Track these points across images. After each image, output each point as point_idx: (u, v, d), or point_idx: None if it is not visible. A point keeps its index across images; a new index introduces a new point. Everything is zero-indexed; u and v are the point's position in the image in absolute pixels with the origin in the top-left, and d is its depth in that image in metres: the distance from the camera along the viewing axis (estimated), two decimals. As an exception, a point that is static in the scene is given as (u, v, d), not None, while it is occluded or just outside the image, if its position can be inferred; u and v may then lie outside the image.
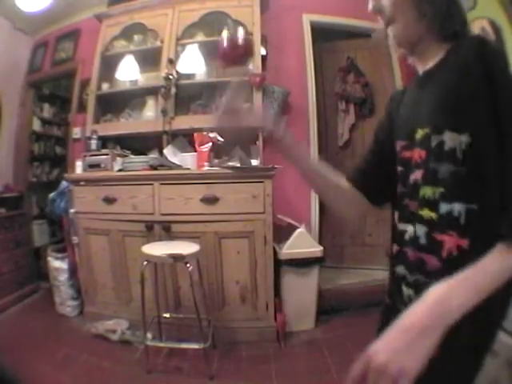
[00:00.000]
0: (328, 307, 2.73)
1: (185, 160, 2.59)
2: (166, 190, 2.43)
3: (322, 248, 2.59)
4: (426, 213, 0.70)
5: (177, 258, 1.97)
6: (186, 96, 2.92)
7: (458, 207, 0.66)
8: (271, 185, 2.37)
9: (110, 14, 3.12)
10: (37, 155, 4.20)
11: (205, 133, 2.55)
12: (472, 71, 0.66)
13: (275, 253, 2.48)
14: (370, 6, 0.78)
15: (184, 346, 2.20)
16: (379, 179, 0.88)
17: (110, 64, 3.07)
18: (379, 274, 2.82)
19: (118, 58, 3.04)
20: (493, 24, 2.10)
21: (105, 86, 3.07)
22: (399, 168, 0.81)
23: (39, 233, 3.80)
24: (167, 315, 2.42)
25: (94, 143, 2.86)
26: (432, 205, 0.69)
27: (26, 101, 3.76)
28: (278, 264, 2.49)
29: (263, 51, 2.93)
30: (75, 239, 2.69)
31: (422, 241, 0.71)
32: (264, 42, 2.96)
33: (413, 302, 0.58)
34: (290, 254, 2.50)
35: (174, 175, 2.45)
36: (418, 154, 0.74)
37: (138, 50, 3.05)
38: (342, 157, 3.51)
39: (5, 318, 2.76)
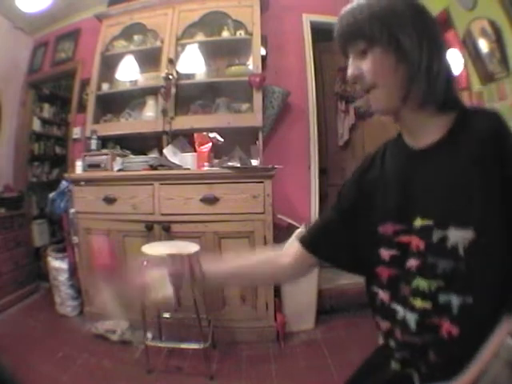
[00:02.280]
0: (328, 307, 2.73)
1: (185, 160, 2.58)
2: (165, 190, 2.43)
3: (321, 248, 2.59)
4: (419, 303, 0.70)
5: (177, 258, 1.96)
6: (186, 96, 2.92)
7: (454, 299, 0.66)
8: (271, 185, 2.36)
9: (110, 13, 3.12)
10: (37, 155, 4.20)
11: (205, 133, 2.56)
12: (485, 159, 0.64)
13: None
14: (350, 73, 0.75)
15: (184, 346, 2.20)
16: (345, 249, 0.84)
17: (109, 64, 3.07)
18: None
19: (117, 58, 3.04)
20: (493, 24, 2.10)
21: (105, 86, 3.07)
22: (391, 251, 0.76)
23: (39, 233, 3.79)
24: (167, 315, 2.41)
25: (93, 143, 2.85)
26: (427, 296, 0.69)
27: (26, 101, 3.76)
28: (278, 264, 2.48)
29: (263, 51, 2.93)
30: (75, 239, 2.69)
31: (412, 326, 0.71)
32: (264, 42, 2.96)
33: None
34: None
35: (174, 175, 2.45)
36: (415, 242, 0.71)
37: (137, 50, 3.05)
38: (342, 157, 3.51)
39: (5, 318, 2.76)
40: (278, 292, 2.52)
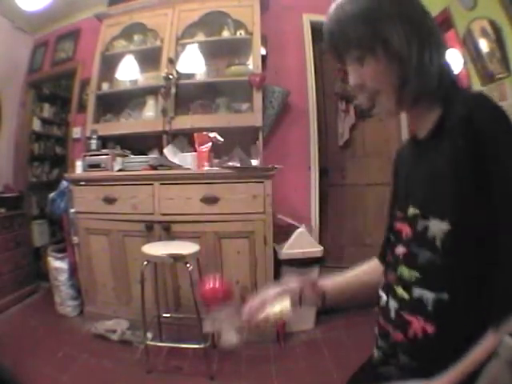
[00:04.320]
0: (328, 307, 2.73)
1: (185, 160, 2.58)
2: (165, 190, 2.43)
3: (322, 248, 2.59)
4: (400, 291, 0.71)
5: (177, 258, 1.97)
6: (186, 96, 2.91)
7: (428, 295, 0.66)
8: (271, 185, 2.36)
9: (110, 13, 3.12)
10: (37, 155, 4.21)
11: (205, 133, 2.55)
12: (458, 152, 0.63)
13: (275, 253, 2.48)
14: (352, 82, 0.74)
15: (184, 345, 2.20)
16: None
17: (110, 64, 3.07)
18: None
19: (117, 57, 3.04)
20: (493, 24, 2.10)
21: (105, 86, 3.07)
22: (391, 237, 0.79)
23: (39, 233, 3.80)
24: (167, 315, 2.42)
25: (94, 143, 2.85)
26: (407, 286, 0.70)
27: (26, 101, 3.76)
28: (278, 264, 2.49)
29: (263, 51, 2.93)
30: (75, 239, 2.69)
31: (392, 315, 0.72)
32: (264, 41, 2.96)
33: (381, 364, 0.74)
34: (290, 254, 2.50)
35: (174, 175, 2.45)
36: (406, 230, 0.72)
37: (137, 49, 3.05)
38: (342, 157, 3.51)
39: (5, 318, 2.76)
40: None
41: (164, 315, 2.40)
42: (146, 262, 2.05)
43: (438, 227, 0.65)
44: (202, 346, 2.04)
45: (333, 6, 0.72)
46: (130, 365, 2.16)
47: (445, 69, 0.70)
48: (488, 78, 2.21)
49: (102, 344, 2.38)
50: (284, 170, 2.55)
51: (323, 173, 3.25)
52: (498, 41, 2.09)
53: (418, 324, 0.67)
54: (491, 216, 0.61)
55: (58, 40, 3.60)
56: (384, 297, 0.76)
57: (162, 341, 2.35)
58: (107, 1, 3.24)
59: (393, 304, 0.72)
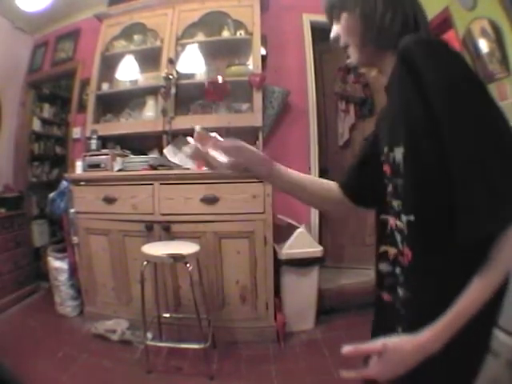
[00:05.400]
0: (328, 307, 2.73)
1: (185, 160, 2.58)
2: (166, 190, 2.43)
3: (321, 248, 2.59)
4: (398, 223, 0.75)
5: (177, 258, 1.97)
6: (186, 96, 2.91)
7: (403, 218, 0.70)
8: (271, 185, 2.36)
9: (110, 13, 3.12)
10: (37, 155, 4.20)
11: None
12: (400, 80, 0.70)
13: (275, 253, 2.48)
14: (331, 36, 0.86)
15: (184, 345, 2.20)
16: (364, 185, 0.92)
17: (110, 64, 3.07)
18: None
19: (117, 57, 3.04)
20: (493, 24, 2.10)
21: (105, 86, 3.07)
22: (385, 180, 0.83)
23: (39, 233, 3.79)
24: (167, 315, 2.42)
25: (94, 143, 2.85)
26: (397, 215, 0.75)
27: (26, 101, 3.76)
28: (278, 264, 2.49)
29: (263, 51, 2.93)
30: (75, 239, 2.69)
31: (400, 246, 0.75)
32: (264, 41, 2.96)
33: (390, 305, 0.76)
34: (289, 254, 2.50)
35: (173, 175, 2.45)
36: (386, 168, 0.78)
37: (138, 49, 3.05)
38: (342, 157, 3.51)
39: (5, 318, 2.76)
40: (277, 292, 2.52)
41: (164, 315, 2.40)
42: (145, 262, 2.05)
43: (398, 154, 0.70)
44: (201, 346, 2.04)
45: None
46: (130, 365, 2.16)
47: (408, 29, 0.76)
48: (488, 78, 2.21)
49: (101, 344, 2.38)
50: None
51: (323, 173, 3.25)
52: (498, 41, 2.09)
53: (406, 252, 0.71)
54: (439, 138, 0.63)
55: (58, 40, 3.60)
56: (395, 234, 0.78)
57: (161, 341, 2.36)
58: (107, 1, 3.24)
59: (397, 237, 0.75)
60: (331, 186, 0.98)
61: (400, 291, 0.74)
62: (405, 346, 0.62)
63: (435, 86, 0.62)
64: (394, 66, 0.75)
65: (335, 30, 0.85)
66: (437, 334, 0.60)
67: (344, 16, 0.81)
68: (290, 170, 0.93)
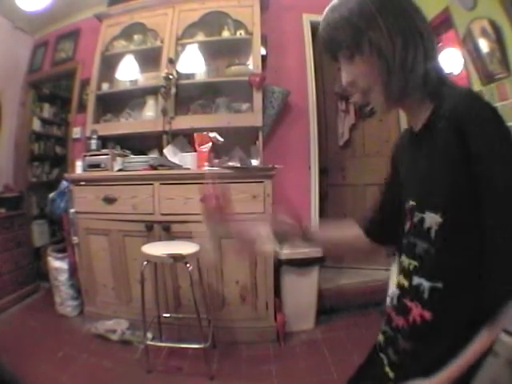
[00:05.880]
0: (328, 307, 2.73)
1: (185, 160, 2.59)
2: (166, 190, 2.43)
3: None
4: (401, 279, 0.75)
5: (177, 258, 1.97)
6: (186, 96, 2.91)
7: (424, 283, 0.69)
8: (271, 185, 2.36)
9: (110, 13, 3.12)
10: (37, 155, 4.20)
11: (205, 133, 2.55)
12: (449, 145, 0.65)
13: (275, 253, 2.48)
14: (344, 81, 0.77)
15: (184, 345, 2.20)
16: (389, 228, 0.88)
17: (110, 64, 3.07)
18: (379, 274, 2.82)
19: (117, 57, 3.04)
20: (493, 24, 2.10)
21: (105, 86, 3.07)
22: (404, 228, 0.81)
23: (39, 233, 3.80)
24: (167, 315, 2.42)
25: (94, 143, 2.85)
26: (407, 274, 0.74)
27: (25, 101, 3.76)
28: (278, 264, 2.49)
29: (263, 51, 2.93)
30: (75, 239, 2.69)
31: (394, 302, 0.78)
32: (264, 41, 2.96)
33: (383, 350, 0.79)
34: (289, 253, 2.50)
35: (174, 175, 2.45)
36: (407, 221, 0.76)
37: (138, 49, 3.05)
38: (342, 157, 3.51)
39: (5, 318, 2.76)
40: (278, 292, 2.52)
41: (164, 315, 2.40)
42: (145, 262, 2.05)
43: (432, 220, 0.68)
44: (201, 346, 2.04)
45: (326, 9, 0.75)
46: (130, 365, 2.16)
47: (432, 66, 0.71)
48: (488, 78, 2.21)
49: (102, 344, 2.38)
50: (284, 169, 2.55)
51: (323, 173, 3.25)
52: (498, 41, 2.09)
53: (416, 310, 0.70)
54: (480, 210, 0.63)
55: (58, 40, 3.60)
56: (391, 285, 0.81)
57: (161, 341, 2.35)
58: (107, 1, 3.25)
59: (396, 291, 0.76)
60: (356, 233, 0.95)
61: (403, 344, 0.74)
62: None
63: (490, 160, 0.62)
64: (434, 116, 0.70)
65: (348, 73, 0.75)
66: (450, 377, 0.64)
67: (358, 57, 0.72)
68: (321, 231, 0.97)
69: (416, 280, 0.71)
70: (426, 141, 0.72)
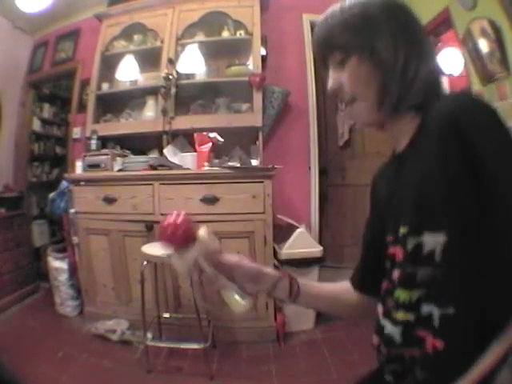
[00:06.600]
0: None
1: (185, 160, 2.59)
2: (166, 190, 2.43)
3: (321, 248, 2.59)
4: (401, 315, 0.67)
5: (177, 258, 1.96)
6: (186, 96, 2.92)
7: (434, 310, 0.62)
8: (271, 185, 2.36)
9: (110, 13, 3.12)
10: (37, 155, 4.21)
11: (205, 133, 2.56)
12: (445, 155, 0.58)
13: (275, 253, 2.48)
14: (329, 85, 0.72)
15: (184, 345, 2.20)
16: (376, 276, 0.79)
17: (110, 64, 3.07)
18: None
19: (117, 57, 3.04)
20: (493, 24, 2.10)
21: (105, 86, 3.07)
22: (387, 263, 0.74)
23: (39, 233, 3.79)
24: (167, 315, 2.42)
25: (93, 143, 2.85)
26: (409, 308, 0.66)
27: (25, 101, 3.76)
28: (278, 264, 2.49)
29: (263, 51, 2.93)
30: (75, 239, 2.69)
31: (397, 340, 0.68)
32: (264, 42, 2.96)
33: None
34: (289, 253, 2.50)
35: (174, 175, 2.45)
36: (398, 252, 0.68)
37: (137, 49, 3.05)
38: (342, 157, 3.51)
39: (5, 318, 2.76)
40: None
41: (164, 315, 2.40)
42: (145, 262, 2.05)
43: (433, 241, 0.60)
44: (201, 346, 2.04)
45: (328, 10, 0.72)
46: (130, 365, 2.16)
47: (431, 82, 0.68)
48: (488, 78, 2.21)
49: (101, 344, 2.38)
50: (284, 169, 2.55)
51: (323, 173, 3.26)
52: (498, 41, 2.09)
53: (428, 340, 0.63)
54: (487, 220, 0.57)
55: (58, 40, 3.60)
56: (388, 325, 0.71)
57: (161, 341, 2.35)
58: (107, 1, 3.25)
59: (395, 330, 0.69)
60: (348, 289, 0.89)
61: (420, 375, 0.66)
62: None
63: (497, 161, 0.56)
64: (420, 131, 0.65)
65: (335, 78, 0.70)
66: None
67: (353, 61, 0.67)
68: (316, 284, 0.90)
69: (426, 309, 0.63)
70: (414, 155, 0.66)
